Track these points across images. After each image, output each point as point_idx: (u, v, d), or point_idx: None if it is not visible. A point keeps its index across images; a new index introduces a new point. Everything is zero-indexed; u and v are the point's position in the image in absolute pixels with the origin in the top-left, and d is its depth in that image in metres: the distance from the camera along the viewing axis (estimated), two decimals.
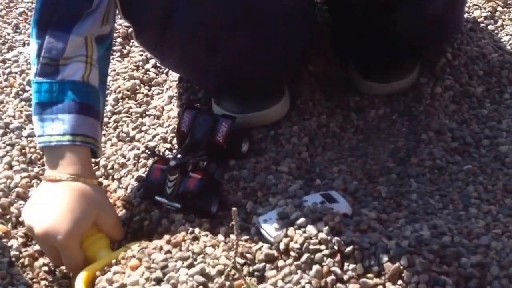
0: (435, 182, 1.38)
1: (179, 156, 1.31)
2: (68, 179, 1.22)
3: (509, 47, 1.68)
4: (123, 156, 1.48)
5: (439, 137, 1.47)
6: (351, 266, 1.13)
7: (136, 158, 1.46)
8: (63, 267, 1.26)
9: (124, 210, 1.37)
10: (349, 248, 1.14)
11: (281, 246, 1.17)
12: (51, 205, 1.19)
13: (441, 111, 1.52)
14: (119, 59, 1.77)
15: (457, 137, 1.47)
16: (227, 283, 1.11)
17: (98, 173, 1.46)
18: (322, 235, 1.14)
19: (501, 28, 1.77)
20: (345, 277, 1.12)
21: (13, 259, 1.27)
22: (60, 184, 1.22)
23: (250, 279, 1.14)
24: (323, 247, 1.14)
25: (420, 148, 1.46)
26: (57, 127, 1.24)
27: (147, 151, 1.36)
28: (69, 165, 1.23)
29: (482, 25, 1.76)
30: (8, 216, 1.36)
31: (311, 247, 1.14)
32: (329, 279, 1.11)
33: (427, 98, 1.55)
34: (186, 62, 1.45)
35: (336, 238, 1.14)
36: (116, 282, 1.12)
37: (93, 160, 1.32)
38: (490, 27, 1.76)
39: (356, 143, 1.51)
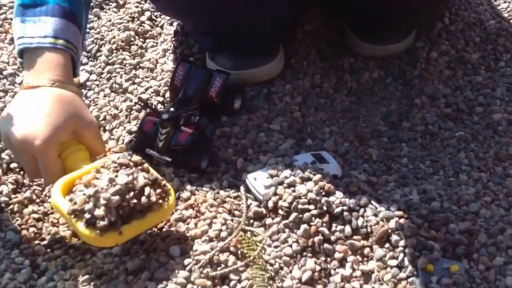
0: (427, 147, 1.35)
1: (171, 109, 1.27)
2: (46, 85, 1.14)
3: (506, 15, 1.64)
4: (116, 107, 1.45)
5: (432, 102, 1.44)
6: (339, 227, 1.11)
7: (128, 110, 1.43)
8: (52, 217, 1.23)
9: None
10: (338, 209, 1.11)
11: (270, 204, 1.14)
12: (28, 112, 1.12)
13: (435, 76, 1.49)
14: (114, 9, 1.71)
15: (450, 103, 1.43)
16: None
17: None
18: (311, 195, 1.12)
19: None
20: (333, 237, 1.10)
21: (3, 205, 1.24)
22: (38, 90, 1.14)
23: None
24: (311, 207, 1.11)
25: (412, 112, 1.43)
26: (39, 29, 1.17)
27: (139, 102, 1.32)
28: (49, 70, 1.16)
29: None
30: None
31: (299, 206, 1.12)
32: (316, 239, 1.09)
33: (422, 62, 1.51)
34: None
35: (325, 198, 1.11)
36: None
37: None
38: None
39: (348, 104, 1.47)
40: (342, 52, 1.57)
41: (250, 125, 1.34)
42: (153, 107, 1.33)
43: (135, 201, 1.03)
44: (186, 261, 1.06)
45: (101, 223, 1.01)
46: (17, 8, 1.20)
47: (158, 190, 1.07)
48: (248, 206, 1.16)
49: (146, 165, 1.11)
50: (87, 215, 1.02)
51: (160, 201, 1.07)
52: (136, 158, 1.11)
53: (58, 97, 1.13)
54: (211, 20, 1.40)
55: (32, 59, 1.17)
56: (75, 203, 1.03)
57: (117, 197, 1.02)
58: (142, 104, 1.29)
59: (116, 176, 1.05)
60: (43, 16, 1.18)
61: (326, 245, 1.09)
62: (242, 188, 1.20)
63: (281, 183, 1.15)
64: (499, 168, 1.29)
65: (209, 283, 1.03)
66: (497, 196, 1.22)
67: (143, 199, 1.04)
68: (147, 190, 1.05)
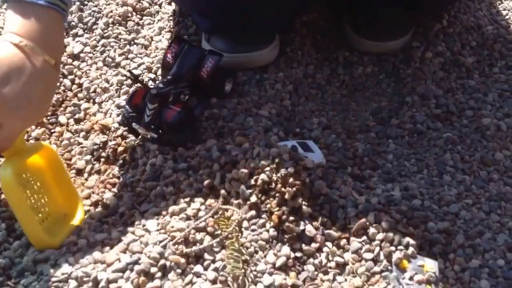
0: (413, 145, 1.34)
1: (160, 85, 1.25)
2: (27, 47, 1.02)
3: (504, 22, 1.62)
4: (107, 81, 1.43)
5: (423, 102, 1.43)
6: (319, 217, 1.09)
7: (119, 84, 1.41)
8: None
9: (100, 134, 1.32)
10: (318, 199, 1.10)
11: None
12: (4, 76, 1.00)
13: (428, 76, 1.47)
14: None
15: (441, 104, 1.42)
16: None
17: (80, 95, 1.41)
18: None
19: (499, 2, 1.71)
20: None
21: None
22: (18, 52, 1.02)
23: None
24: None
25: (402, 110, 1.41)
26: None
27: (129, 76, 1.30)
28: (37, 29, 1.04)
29: None
30: None
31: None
32: (294, 226, 1.07)
33: (417, 61, 1.50)
34: None
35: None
36: None
37: None
38: None
39: (339, 97, 1.46)
40: (338, 45, 1.56)
41: (239, 109, 1.32)
42: (143, 82, 1.31)
43: None
44: (162, 237, 1.04)
45: None
46: None
47: None
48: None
49: None
50: None
51: None
52: None
53: (34, 66, 1.03)
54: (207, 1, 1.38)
55: (21, 12, 1.05)
56: None
57: None
58: (132, 77, 1.27)
59: None
60: None
61: (303, 233, 1.07)
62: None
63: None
64: (484, 172, 1.28)
65: (182, 260, 1.01)
66: (479, 199, 1.21)
67: None
68: None
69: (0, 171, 1.03)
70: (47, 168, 1.16)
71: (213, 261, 1.03)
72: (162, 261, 1.00)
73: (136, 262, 1.00)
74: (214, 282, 0.99)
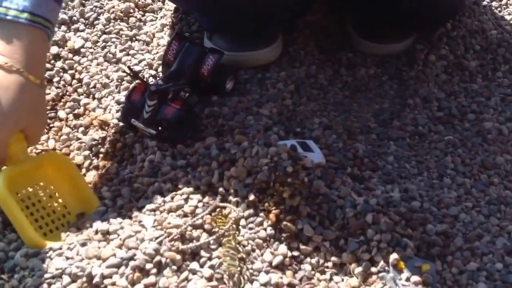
0: (414, 148, 1.35)
1: (160, 82, 1.26)
2: (12, 68, 1.07)
3: (509, 27, 1.62)
4: (107, 76, 1.44)
5: (425, 105, 1.43)
6: (317, 216, 1.09)
7: (119, 80, 1.42)
8: None
9: (99, 130, 1.33)
10: (317, 199, 1.10)
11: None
12: None
13: (431, 79, 1.48)
14: None
15: (443, 107, 1.43)
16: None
17: (79, 90, 1.42)
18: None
19: (504, 6, 1.72)
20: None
21: None
22: (3, 73, 1.07)
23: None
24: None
25: (404, 112, 1.42)
26: (16, 0, 1.08)
27: (129, 72, 1.30)
28: (20, 48, 1.08)
29: (486, 0, 1.71)
30: None
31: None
32: (291, 225, 1.08)
33: (420, 64, 1.50)
34: None
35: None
36: None
37: None
38: (494, 3, 1.71)
39: (341, 98, 1.46)
40: (341, 46, 1.57)
41: (240, 107, 1.32)
42: (144, 78, 1.32)
43: None
44: (158, 233, 1.05)
45: None
46: None
47: None
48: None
49: None
50: None
51: None
52: None
53: (20, 87, 1.08)
54: (207, 3, 1.39)
55: (5, 32, 1.09)
56: None
57: None
58: (131, 73, 1.28)
59: None
60: None
61: (300, 233, 1.08)
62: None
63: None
64: (484, 175, 1.29)
65: (178, 257, 1.02)
66: (479, 202, 1.21)
67: None
68: None
69: None
70: (58, 176, 1.18)
71: (210, 259, 1.03)
72: (157, 258, 1.01)
73: (131, 258, 1.01)
74: (210, 279, 1.00)
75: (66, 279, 1.00)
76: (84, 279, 0.99)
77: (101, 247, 1.05)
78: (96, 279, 0.99)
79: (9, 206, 1.07)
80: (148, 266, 1.00)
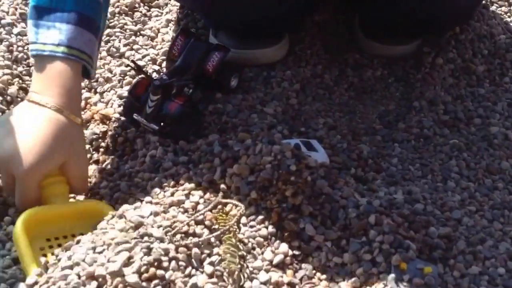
0: (419, 150, 1.36)
1: (164, 77, 1.27)
2: (48, 105, 1.11)
3: None
4: (110, 71, 1.45)
5: (431, 107, 1.44)
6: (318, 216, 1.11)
7: (122, 75, 1.43)
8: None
9: (101, 125, 1.34)
10: (319, 199, 1.11)
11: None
12: (23, 131, 1.09)
13: (438, 82, 1.49)
14: None
15: (449, 110, 1.44)
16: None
17: (81, 84, 1.43)
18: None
19: None
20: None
21: None
22: (38, 110, 1.11)
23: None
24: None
25: (410, 115, 1.43)
26: (52, 36, 1.14)
27: (133, 66, 1.31)
28: (57, 86, 1.13)
29: (495, 5, 1.72)
30: None
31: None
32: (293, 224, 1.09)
33: (427, 67, 1.51)
34: None
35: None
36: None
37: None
38: (503, 8, 1.73)
39: (347, 99, 1.47)
40: (348, 47, 1.58)
41: (244, 105, 1.34)
42: (147, 72, 1.33)
43: None
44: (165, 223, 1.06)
45: None
46: (32, 9, 1.17)
47: None
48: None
49: None
50: None
51: None
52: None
53: (57, 125, 1.11)
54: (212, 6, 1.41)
55: (43, 68, 1.14)
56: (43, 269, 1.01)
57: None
58: (135, 67, 1.29)
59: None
60: (58, 23, 1.15)
61: (302, 232, 1.09)
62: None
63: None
64: (489, 180, 1.30)
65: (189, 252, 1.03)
66: (482, 207, 1.22)
67: None
68: None
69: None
70: (87, 223, 1.11)
71: (210, 255, 1.04)
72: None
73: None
74: (210, 276, 1.01)
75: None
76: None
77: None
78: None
79: (20, 248, 1.03)
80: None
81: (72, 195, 1.18)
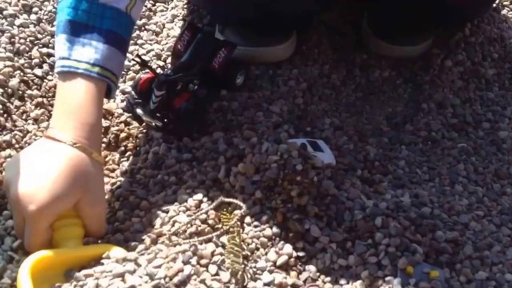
0: (426, 153, 1.36)
1: (169, 72, 1.27)
2: (69, 143, 1.06)
3: None
4: None
5: (439, 110, 1.45)
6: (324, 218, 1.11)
7: (125, 70, 1.43)
8: None
9: (103, 119, 1.34)
10: (325, 200, 1.12)
11: None
12: (38, 168, 1.03)
13: (447, 84, 1.50)
14: None
15: (458, 114, 1.44)
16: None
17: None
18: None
19: None
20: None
21: None
22: (56, 147, 1.06)
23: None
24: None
25: (418, 117, 1.43)
26: (87, 54, 1.11)
27: (138, 60, 1.31)
28: (80, 117, 1.09)
29: (506, 8, 1.72)
30: None
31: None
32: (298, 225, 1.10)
33: (436, 69, 1.52)
34: None
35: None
36: None
37: None
38: None
39: (354, 99, 1.48)
40: (356, 47, 1.58)
41: (249, 103, 1.34)
42: (152, 67, 1.33)
43: None
44: (163, 228, 1.07)
45: None
46: (67, 23, 1.13)
47: None
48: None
49: None
50: None
51: None
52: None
53: (74, 162, 1.04)
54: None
55: (68, 88, 1.11)
56: None
57: None
58: (140, 62, 1.29)
59: None
60: (95, 41, 1.12)
61: (307, 233, 1.09)
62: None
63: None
64: (497, 185, 1.30)
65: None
66: (490, 212, 1.22)
67: None
68: None
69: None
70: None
71: (212, 254, 1.05)
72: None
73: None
74: (214, 275, 1.01)
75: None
76: None
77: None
78: None
79: None
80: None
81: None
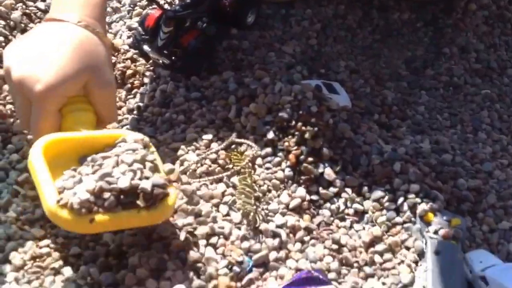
0: (448, 99, 1.33)
1: (178, 8, 1.24)
2: (71, 21, 0.98)
3: None
4: (119, 1, 1.42)
5: (462, 55, 1.42)
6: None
7: (132, 5, 1.40)
8: None
9: None
10: (341, 143, 1.09)
11: None
12: (39, 49, 0.96)
13: (470, 29, 1.46)
14: None
15: (481, 59, 1.41)
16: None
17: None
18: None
19: None
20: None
21: None
22: (60, 25, 0.98)
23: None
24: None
25: (439, 61, 1.40)
26: None
27: None
28: (82, 4, 1.01)
29: None
30: None
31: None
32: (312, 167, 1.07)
33: (459, 12, 1.48)
34: None
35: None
36: None
37: None
38: None
39: (371, 42, 1.44)
40: None
41: (261, 43, 1.31)
42: (160, 3, 1.30)
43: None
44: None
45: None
46: None
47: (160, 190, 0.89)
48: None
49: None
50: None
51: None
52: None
53: (80, 40, 0.97)
54: None
55: None
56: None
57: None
58: None
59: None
60: None
61: (321, 176, 1.07)
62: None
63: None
64: None
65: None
66: None
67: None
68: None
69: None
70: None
71: (223, 194, 1.02)
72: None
73: None
74: (225, 215, 0.99)
75: None
76: None
77: None
78: None
79: (35, 175, 0.87)
80: None
81: None
